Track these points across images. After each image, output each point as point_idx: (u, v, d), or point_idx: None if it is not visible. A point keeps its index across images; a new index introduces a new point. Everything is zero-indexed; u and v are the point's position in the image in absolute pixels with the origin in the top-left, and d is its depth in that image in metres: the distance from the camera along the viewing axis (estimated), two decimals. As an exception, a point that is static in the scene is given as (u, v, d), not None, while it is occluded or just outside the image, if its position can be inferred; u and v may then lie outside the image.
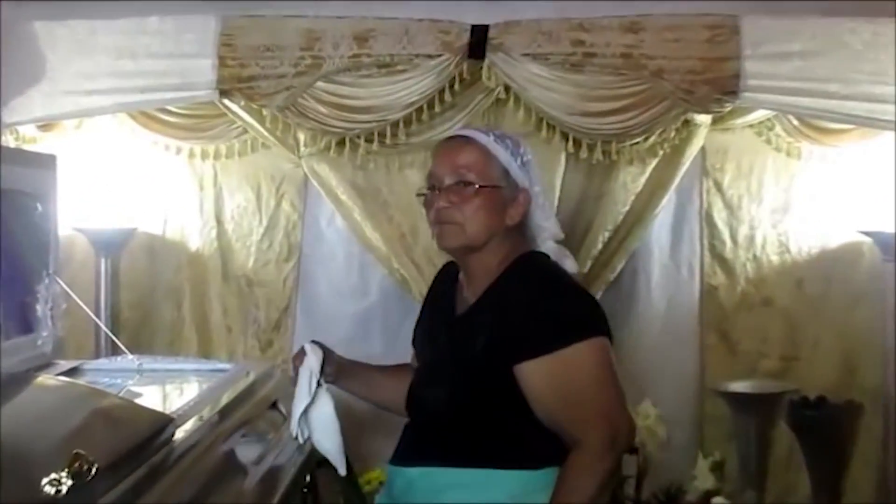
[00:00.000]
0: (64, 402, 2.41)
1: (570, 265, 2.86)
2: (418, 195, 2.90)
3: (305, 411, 2.82)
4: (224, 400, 2.84)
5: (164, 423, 2.40)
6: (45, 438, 2.05)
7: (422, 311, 3.07)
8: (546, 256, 2.83)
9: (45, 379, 2.71)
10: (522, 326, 2.65)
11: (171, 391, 3.35)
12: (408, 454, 2.81)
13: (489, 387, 2.68)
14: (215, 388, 3.11)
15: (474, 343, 2.71)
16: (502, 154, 2.78)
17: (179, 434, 2.45)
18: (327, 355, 2.90)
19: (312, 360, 2.84)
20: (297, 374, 2.88)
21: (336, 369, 2.92)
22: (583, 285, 2.89)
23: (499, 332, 2.67)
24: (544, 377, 2.63)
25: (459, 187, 2.75)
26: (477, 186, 2.74)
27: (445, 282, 2.97)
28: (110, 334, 3.86)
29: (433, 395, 2.80)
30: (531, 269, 2.77)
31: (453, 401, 2.74)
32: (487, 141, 2.79)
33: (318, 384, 2.83)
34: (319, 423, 2.84)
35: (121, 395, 2.97)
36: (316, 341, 2.94)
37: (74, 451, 1.83)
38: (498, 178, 2.77)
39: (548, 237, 2.87)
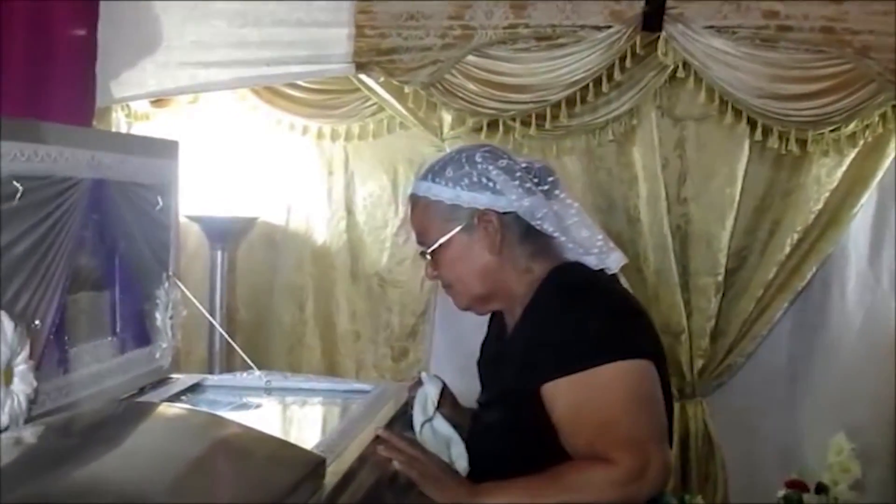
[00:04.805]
0: (201, 439, 2.43)
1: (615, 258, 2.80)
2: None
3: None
4: (371, 432, 2.82)
5: (314, 464, 2.40)
6: (180, 484, 2.07)
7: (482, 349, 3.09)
8: (581, 266, 2.79)
9: (177, 411, 2.73)
10: (546, 346, 2.64)
11: (307, 418, 3.37)
12: None
13: (527, 416, 2.63)
14: (358, 417, 3.10)
15: (507, 374, 2.73)
16: (444, 192, 2.75)
17: (330, 477, 2.44)
18: (444, 391, 2.97)
19: (430, 388, 2.94)
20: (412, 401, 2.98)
21: (449, 411, 2.96)
22: (631, 298, 2.84)
23: (526, 356, 2.67)
24: (565, 399, 2.58)
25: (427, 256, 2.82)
26: (430, 251, 2.78)
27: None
28: (235, 346, 3.86)
29: (483, 436, 2.81)
30: (560, 285, 2.73)
31: (501, 438, 2.73)
32: (426, 189, 2.78)
33: (436, 409, 2.90)
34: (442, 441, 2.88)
35: (253, 423, 2.97)
36: (436, 375, 3.02)
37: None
38: (445, 227, 2.76)
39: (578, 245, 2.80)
